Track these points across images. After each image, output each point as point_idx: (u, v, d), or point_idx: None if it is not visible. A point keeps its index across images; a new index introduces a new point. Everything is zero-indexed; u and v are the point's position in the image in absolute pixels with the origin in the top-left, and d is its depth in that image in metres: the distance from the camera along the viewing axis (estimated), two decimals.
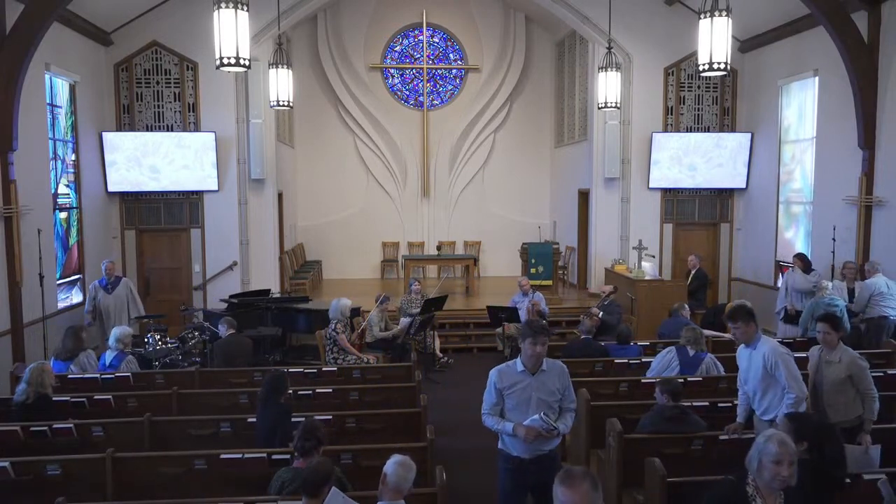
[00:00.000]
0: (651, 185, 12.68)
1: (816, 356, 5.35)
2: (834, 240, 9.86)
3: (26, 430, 5.35)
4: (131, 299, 9.83)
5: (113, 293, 9.68)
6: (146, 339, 8.78)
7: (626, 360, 7.36)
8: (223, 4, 6.38)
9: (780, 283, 11.77)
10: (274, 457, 4.76)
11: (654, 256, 12.23)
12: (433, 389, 8.83)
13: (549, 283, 12.06)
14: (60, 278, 10.35)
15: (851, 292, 8.72)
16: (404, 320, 9.57)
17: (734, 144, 12.54)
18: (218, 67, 6.60)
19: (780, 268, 11.83)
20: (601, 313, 9.18)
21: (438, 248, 14.98)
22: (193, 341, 9.07)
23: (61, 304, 10.23)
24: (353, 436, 5.68)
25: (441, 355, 10.48)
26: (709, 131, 12.78)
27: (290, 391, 5.59)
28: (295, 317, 10.35)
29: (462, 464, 6.57)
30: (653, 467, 4.47)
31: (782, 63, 11.49)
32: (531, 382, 4.23)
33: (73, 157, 10.92)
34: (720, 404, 5.83)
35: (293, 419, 5.07)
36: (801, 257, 10.18)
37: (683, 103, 12.79)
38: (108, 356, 7.27)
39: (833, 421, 5.03)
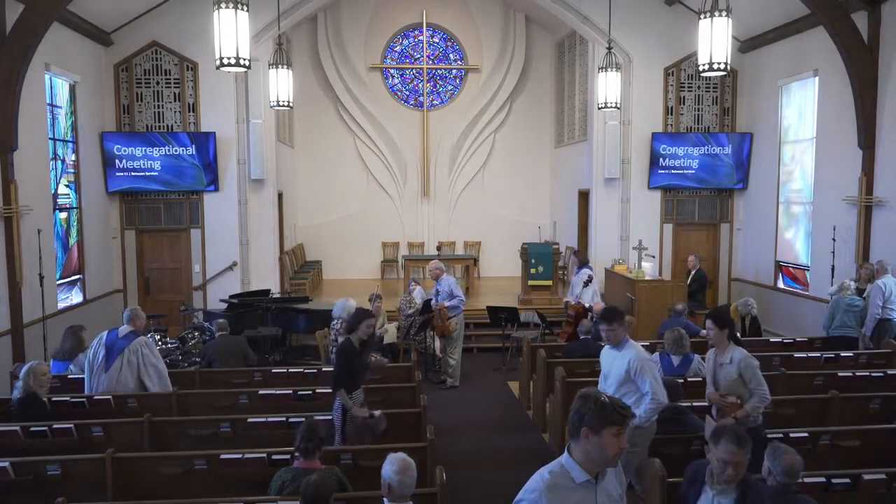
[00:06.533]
0: (651, 185, 12.68)
1: (712, 359, 5.12)
2: (834, 240, 9.86)
3: (26, 430, 5.35)
4: None
5: None
6: None
7: None
8: (223, 4, 6.37)
9: (780, 284, 11.81)
10: (274, 457, 4.77)
11: (654, 256, 12.22)
12: (433, 389, 8.84)
13: (549, 283, 12.07)
14: (60, 278, 10.35)
15: (860, 292, 8.57)
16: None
17: (734, 145, 12.54)
18: (218, 67, 6.59)
19: (780, 268, 11.83)
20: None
21: (438, 248, 14.97)
22: (193, 341, 9.09)
23: (61, 305, 10.22)
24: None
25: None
26: (709, 131, 12.77)
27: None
28: (295, 317, 10.35)
29: (462, 464, 6.57)
30: (653, 467, 4.47)
31: (782, 63, 11.49)
32: (596, 497, 2.70)
33: (73, 158, 10.92)
34: None
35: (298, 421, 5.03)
36: (575, 252, 10.13)
37: (683, 103, 12.79)
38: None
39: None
